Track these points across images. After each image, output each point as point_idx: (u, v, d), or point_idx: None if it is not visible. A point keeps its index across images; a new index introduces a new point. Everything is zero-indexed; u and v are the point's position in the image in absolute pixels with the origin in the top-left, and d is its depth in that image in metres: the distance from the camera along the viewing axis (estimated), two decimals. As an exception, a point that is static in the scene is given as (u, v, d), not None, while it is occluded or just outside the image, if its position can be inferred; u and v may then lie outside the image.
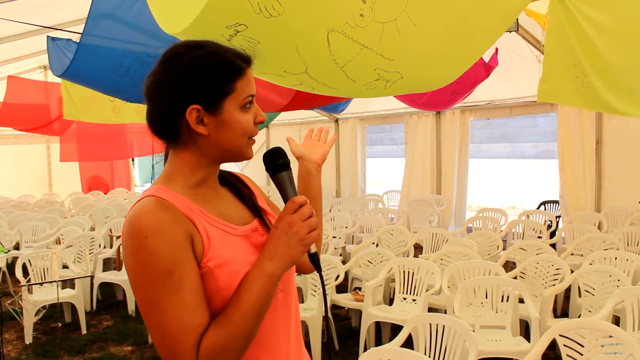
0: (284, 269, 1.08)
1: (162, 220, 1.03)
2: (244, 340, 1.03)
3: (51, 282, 4.45)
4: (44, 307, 4.50)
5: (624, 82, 3.39)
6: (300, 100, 5.05)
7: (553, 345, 2.83)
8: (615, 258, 4.35)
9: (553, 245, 5.94)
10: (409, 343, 2.94)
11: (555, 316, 4.61)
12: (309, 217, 1.10)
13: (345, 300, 4.63)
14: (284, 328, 1.19)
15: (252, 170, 10.20)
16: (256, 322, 1.05)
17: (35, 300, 4.66)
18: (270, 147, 1.23)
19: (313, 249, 1.14)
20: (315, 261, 1.16)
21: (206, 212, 1.12)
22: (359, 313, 4.27)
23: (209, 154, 1.14)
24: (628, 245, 5.48)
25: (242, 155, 1.17)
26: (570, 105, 4.14)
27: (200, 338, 1.01)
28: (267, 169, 1.19)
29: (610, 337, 2.60)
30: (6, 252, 6.31)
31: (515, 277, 4.33)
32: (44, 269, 4.93)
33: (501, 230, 6.91)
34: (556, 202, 8.37)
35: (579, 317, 4.00)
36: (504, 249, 5.63)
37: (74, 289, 5.07)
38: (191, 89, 1.09)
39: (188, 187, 1.14)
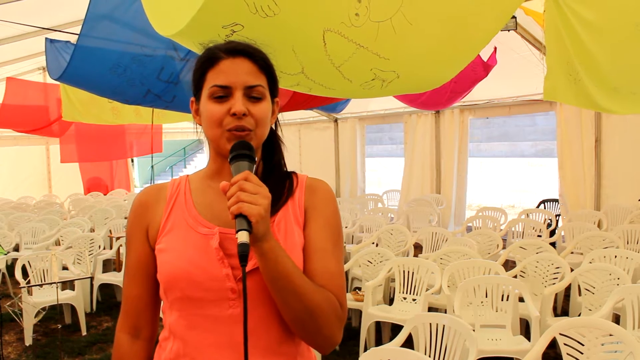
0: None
1: (136, 203, 1.25)
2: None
3: (51, 283, 4.44)
4: (43, 309, 4.50)
5: (610, 80, 3.41)
6: (299, 101, 5.05)
7: (553, 344, 2.82)
8: (615, 256, 4.35)
9: (553, 244, 5.93)
10: (409, 343, 2.94)
11: (556, 315, 4.61)
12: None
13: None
14: (221, 338, 1.14)
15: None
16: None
17: (35, 301, 4.65)
18: None
19: (243, 239, 0.98)
20: (239, 252, 0.98)
21: (190, 204, 1.21)
22: (359, 313, 4.26)
23: (210, 146, 1.19)
24: (628, 243, 5.47)
25: (220, 147, 1.15)
26: (568, 103, 4.15)
27: (135, 307, 1.25)
28: (230, 154, 1.11)
29: (611, 335, 2.59)
30: (6, 254, 6.31)
31: (515, 276, 4.32)
32: (43, 270, 4.93)
33: (501, 229, 6.91)
34: (556, 200, 8.37)
35: (579, 315, 3.99)
36: (504, 248, 5.63)
37: (73, 290, 5.06)
38: (192, 82, 1.20)
39: (204, 177, 1.25)
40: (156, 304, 1.28)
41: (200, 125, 1.19)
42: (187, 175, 1.28)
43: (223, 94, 1.12)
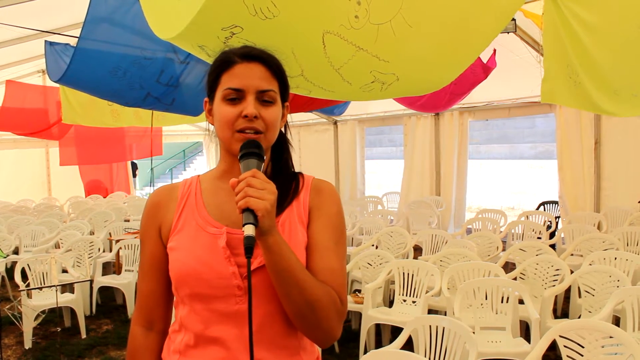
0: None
1: (149, 203, 1.31)
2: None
3: (50, 286, 4.44)
4: (43, 312, 4.49)
5: (611, 83, 3.40)
6: (299, 103, 5.06)
7: (553, 346, 2.82)
8: (615, 258, 4.34)
9: (553, 246, 5.93)
10: (409, 345, 2.93)
11: (555, 317, 4.60)
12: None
13: (345, 302, 4.61)
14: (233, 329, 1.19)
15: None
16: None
17: (34, 305, 4.65)
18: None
19: (249, 232, 1.03)
20: (245, 245, 1.02)
21: (201, 204, 1.25)
22: (358, 315, 4.26)
23: (221, 146, 1.24)
24: (627, 245, 5.47)
25: (230, 148, 1.20)
26: (567, 105, 4.16)
27: (148, 302, 1.30)
28: (239, 152, 1.15)
29: (611, 337, 2.59)
30: (5, 257, 6.30)
31: (515, 278, 4.32)
32: (43, 273, 4.92)
33: (501, 231, 6.90)
34: (555, 202, 8.37)
35: (579, 317, 3.99)
36: (504, 250, 5.62)
37: (73, 293, 5.05)
38: (206, 83, 1.25)
39: (214, 177, 1.29)
40: (169, 299, 1.33)
41: (213, 124, 1.24)
42: (199, 175, 1.33)
43: (236, 97, 1.17)
